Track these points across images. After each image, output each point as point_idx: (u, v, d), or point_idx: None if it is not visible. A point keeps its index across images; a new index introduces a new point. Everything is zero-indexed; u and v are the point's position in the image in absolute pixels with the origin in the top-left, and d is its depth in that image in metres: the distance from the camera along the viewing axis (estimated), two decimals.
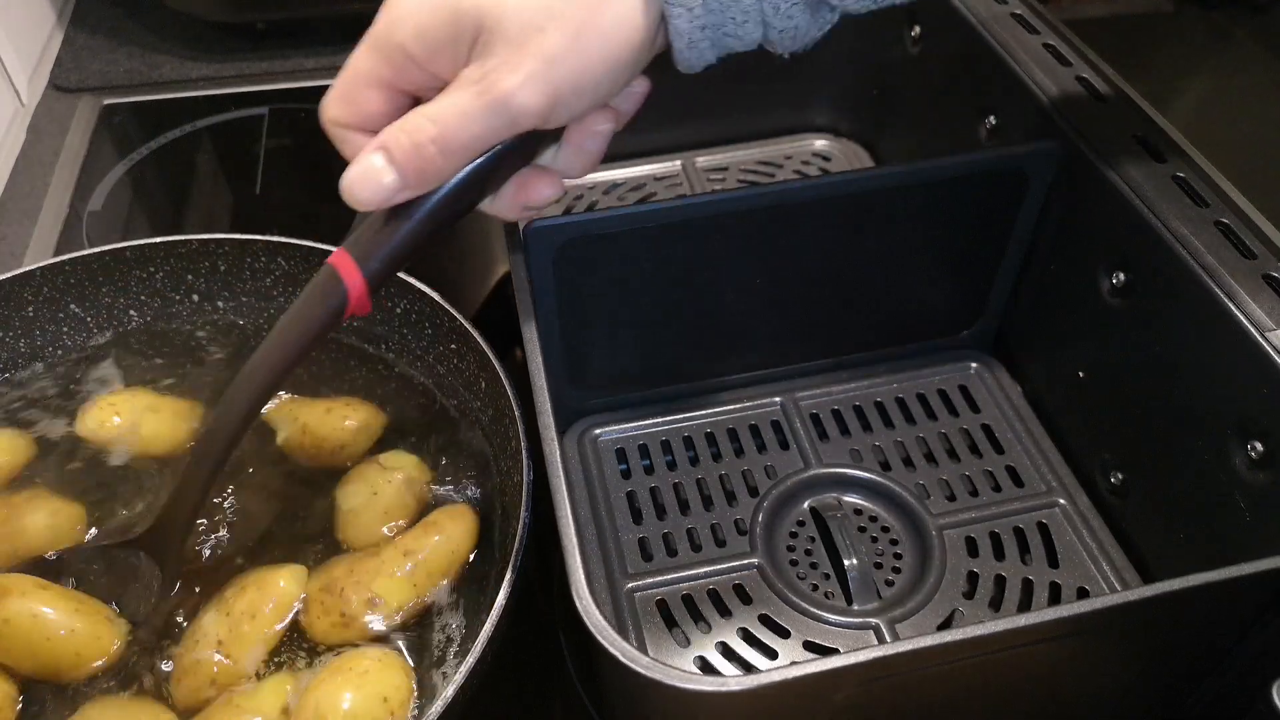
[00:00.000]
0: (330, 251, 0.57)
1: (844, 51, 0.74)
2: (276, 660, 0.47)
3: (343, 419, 0.55)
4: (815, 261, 0.55)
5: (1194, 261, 0.47)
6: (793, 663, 0.35)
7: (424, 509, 0.52)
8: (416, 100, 0.40)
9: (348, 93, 0.40)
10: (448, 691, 0.40)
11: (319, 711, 0.43)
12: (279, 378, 0.43)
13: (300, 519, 0.52)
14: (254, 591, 0.48)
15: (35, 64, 0.89)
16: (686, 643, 0.50)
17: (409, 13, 0.38)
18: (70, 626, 0.46)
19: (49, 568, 0.49)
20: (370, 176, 0.38)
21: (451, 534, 0.50)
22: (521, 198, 0.42)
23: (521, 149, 0.40)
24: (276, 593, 0.48)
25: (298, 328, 0.42)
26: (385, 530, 0.51)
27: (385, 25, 0.39)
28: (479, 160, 0.39)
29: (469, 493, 0.54)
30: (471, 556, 0.50)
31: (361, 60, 0.40)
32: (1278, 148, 0.66)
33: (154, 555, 0.49)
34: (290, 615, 0.48)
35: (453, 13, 0.37)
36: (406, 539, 0.49)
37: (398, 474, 0.53)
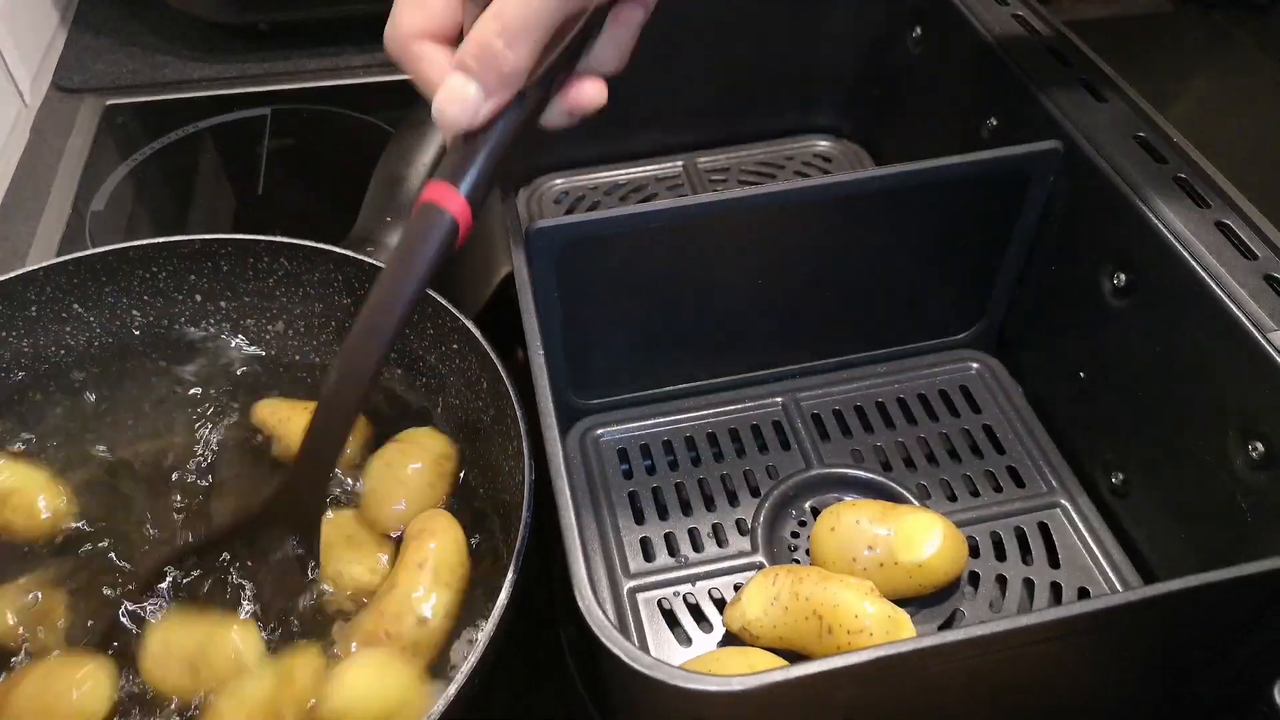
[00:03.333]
0: (334, 252, 0.58)
1: (845, 53, 0.74)
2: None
3: None
4: (817, 262, 0.56)
5: (1195, 262, 0.47)
6: (795, 662, 0.35)
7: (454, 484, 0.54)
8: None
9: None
10: (449, 691, 0.40)
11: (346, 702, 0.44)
12: (399, 326, 0.41)
13: None
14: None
15: (38, 64, 0.89)
16: (688, 642, 0.51)
17: None
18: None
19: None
20: (455, 95, 0.39)
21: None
22: (570, 103, 0.43)
23: (569, 47, 0.41)
24: None
25: (409, 271, 0.41)
26: (401, 506, 0.52)
27: None
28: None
29: (469, 492, 0.54)
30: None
31: None
32: (1278, 148, 0.66)
33: (292, 529, 0.47)
34: None
35: None
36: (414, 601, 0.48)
37: (419, 451, 0.54)
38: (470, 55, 0.39)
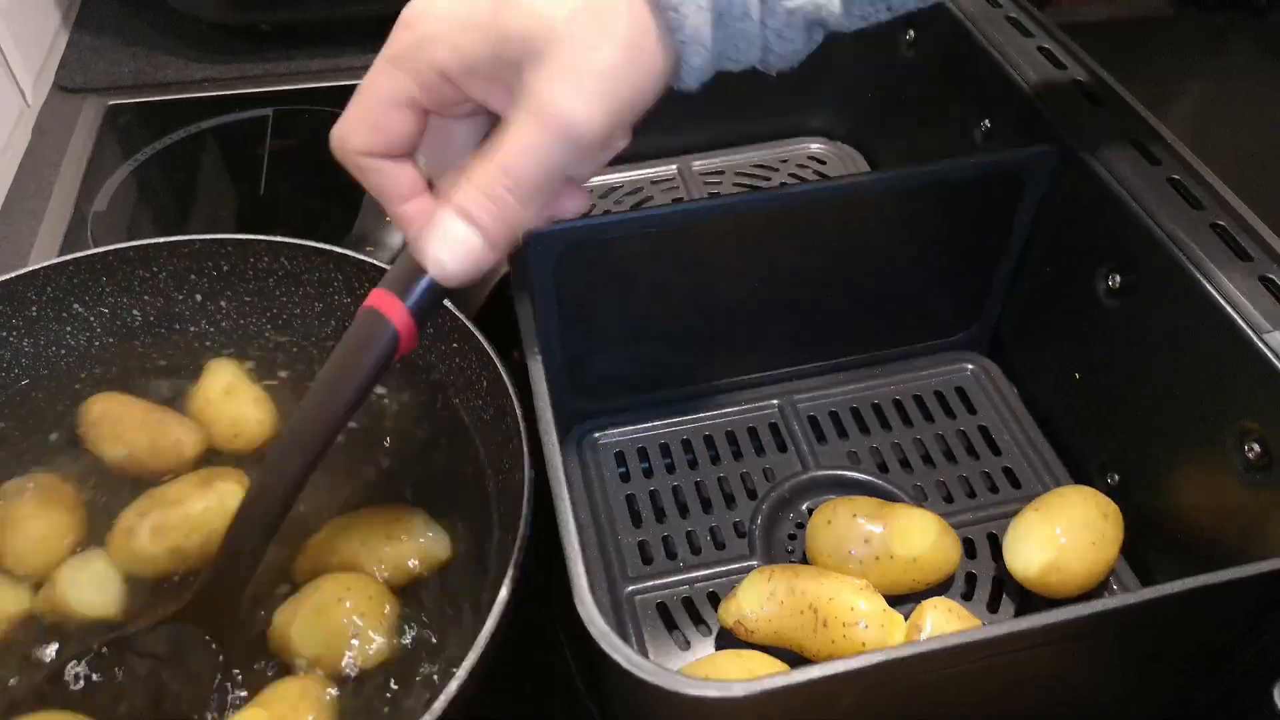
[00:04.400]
0: (334, 251, 0.58)
1: (839, 55, 0.74)
2: None
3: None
4: (812, 265, 0.56)
5: (1190, 264, 0.47)
6: (796, 668, 0.35)
7: None
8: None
9: (370, 117, 0.38)
10: (450, 687, 0.40)
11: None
12: (329, 435, 0.40)
13: None
14: None
15: (40, 65, 0.90)
16: (687, 645, 0.51)
17: (442, 31, 0.36)
18: None
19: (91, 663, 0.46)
20: (457, 247, 0.37)
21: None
22: (551, 210, 0.43)
23: None
24: None
25: (345, 379, 0.40)
26: None
27: (413, 43, 0.37)
28: None
29: (469, 490, 0.54)
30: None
31: (385, 81, 0.38)
32: (1276, 151, 0.66)
33: (203, 629, 0.45)
34: None
35: (496, 35, 0.35)
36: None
37: None
38: (478, 207, 0.37)
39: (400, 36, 0.38)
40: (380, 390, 0.59)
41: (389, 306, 0.39)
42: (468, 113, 0.40)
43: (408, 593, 0.50)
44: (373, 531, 0.51)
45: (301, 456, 0.41)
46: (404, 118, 0.38)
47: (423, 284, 0.39)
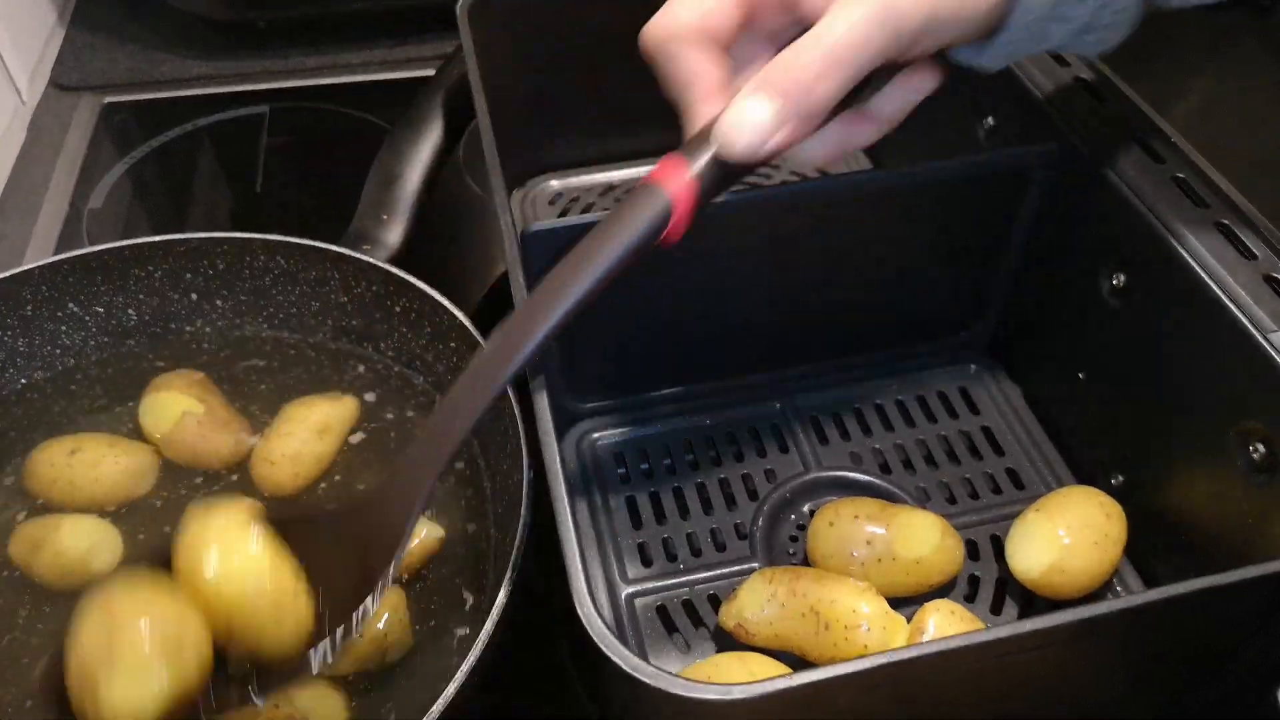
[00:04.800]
0: (330, 250, 0.58)
1: None
2: None
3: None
4: (814, 263, 0.55)
5: (1194, 262, 0.46)
6: (797, 670, 0.35)
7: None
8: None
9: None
10: (448, 690, 0.40)
11: None
12: (581, 298, 0.37)
13: None
14: None
15: (36, 62, 0.89)
16: (687, 648, 0.50)
17: None
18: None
19: None
20: (744, 117, 0.36)
21: None
22: (845, 137, 0.42)
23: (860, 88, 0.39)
24: None
25: (608, 241, 0.37)
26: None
27: None
28: None
29: (467, 490, 0.54)
30: None
31: None
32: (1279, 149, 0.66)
33: (372, 532, 0.39)
34: None
35: None
36: None
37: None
38: (771, 82, 0.36)
39: None
40: (378, 391, 0.58)
41: (669, 175, 0.38)
42: (779, 28, 0.40)
43: (409, 594, 0.50)
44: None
45: (542, 319, 0.37)
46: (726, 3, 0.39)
47: (706, 159, 0.38)
